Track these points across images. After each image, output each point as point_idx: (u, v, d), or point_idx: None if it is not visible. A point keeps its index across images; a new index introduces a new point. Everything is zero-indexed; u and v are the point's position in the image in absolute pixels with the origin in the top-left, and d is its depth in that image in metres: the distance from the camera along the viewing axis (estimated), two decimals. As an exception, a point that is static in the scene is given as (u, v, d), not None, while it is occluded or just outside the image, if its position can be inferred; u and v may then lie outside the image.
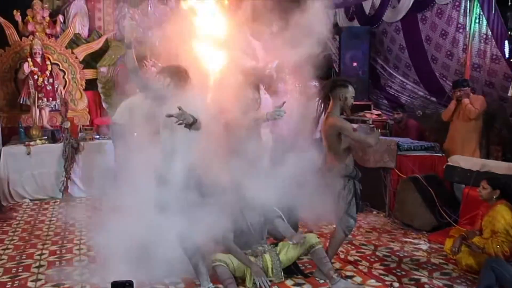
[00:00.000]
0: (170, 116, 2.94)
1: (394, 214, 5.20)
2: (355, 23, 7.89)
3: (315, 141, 6.12)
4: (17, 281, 3.52)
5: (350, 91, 3.62)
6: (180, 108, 2.92)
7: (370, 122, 6.80)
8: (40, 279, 3.54)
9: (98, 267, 3.72)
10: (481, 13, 5.97)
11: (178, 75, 3.27)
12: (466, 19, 6.15)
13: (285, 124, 6.63)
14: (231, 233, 3.48)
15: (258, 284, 3.33)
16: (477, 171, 4.57)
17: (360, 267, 3.87)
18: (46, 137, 6.43)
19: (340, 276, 3.49)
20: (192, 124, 2.96)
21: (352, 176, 3.62)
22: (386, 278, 3.63)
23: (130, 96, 5.78)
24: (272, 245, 3.65)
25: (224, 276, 3.28)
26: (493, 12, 5.84)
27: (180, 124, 2.93)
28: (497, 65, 6.01)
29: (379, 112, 7.28)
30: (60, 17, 7.42)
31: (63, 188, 6.13)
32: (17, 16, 6.91)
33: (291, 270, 3.64)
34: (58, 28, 7.37)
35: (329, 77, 8.78)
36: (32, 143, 6.21)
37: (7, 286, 3.44)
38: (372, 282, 3.55)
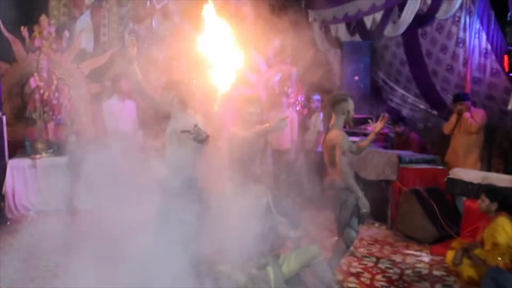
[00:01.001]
0: (185, 131, 2.99)
1: (396, 227, 5.23)
2: (357, 37, 8.00)
3: (317, 154, 6.20)
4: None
5: (351, 103, 3.70)
6: (196, 125, 2.97)
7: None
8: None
9: (106, 275, 3.76)
10: (481, 28, 6.06)
11: (182, 90, 3.33)
12: (465, 34, 6.25)
13: (287, 137, 6.74)
14: (235, 244, 3.53)
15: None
16: (479, 183, 4.62)
17: (362, 279, 3.90)
18: (51, 150, 6.51)
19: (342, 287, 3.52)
20: (204, 140, 3.02)
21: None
22: (388, 290, 3.66)
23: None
24: (274, 257, 3.68)
25: (226, 288, 3.31)
26: (492, 27, 5.93)
27: (194, 139, 2.97)
28: (497, 79, 6.08)
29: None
30: (66, 33, 7.55)
31: (68, 200, 6.19)
32: (24, 32, 7.05)
33: (293, 282, 3.67)
34: (64, 44, 7.49)
35: (331, 91, 8.88)
36: (37, 156, 6.29)
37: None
38: (374, 294, 3.59)
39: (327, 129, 3.77)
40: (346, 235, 3.64)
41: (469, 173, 4.87)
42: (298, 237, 3.51)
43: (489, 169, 5.92)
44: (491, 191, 3.96)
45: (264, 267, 3.56)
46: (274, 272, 3.54)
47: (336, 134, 3.62)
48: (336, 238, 3.87)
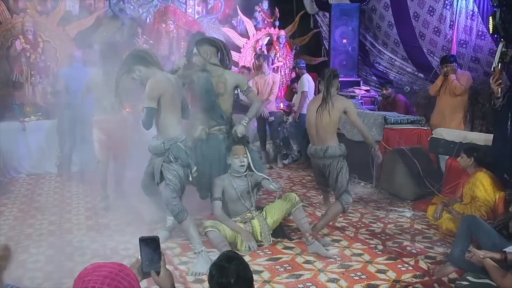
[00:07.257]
0: None
1: (380, 185, 5.38)
2: (345, 0, 7.97)
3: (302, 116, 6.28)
4: (20, 248, 3.65)
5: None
6: None
7: (359, 98, 6.96)
8: (41, 246, 3.69)
9: (96, 234, 3.90)
10: (468, -11, 6.09)
11: (144, 61, 3.36)
12: (453, -5, 6.28)
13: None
14: (219, 201, 3.65)
15: (250, 247, 3.53)
16: (460, 142, 4.76)
17: (347, 232, 4.07)
18: (40, 114, 6.50)
19: (315, 239, 3.63)
20: None
21: (345, 155, 3.82)
22: (371, 242, 3.83)
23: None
24: (258, 211, 3.81)
25: (216, 240, 3.45)
26: (479, -12, 5.97)
27: None
28: (482, 41, 6.16)
29: (368, 88, 7.43)
30: (51, -6, 7.42)
31: (58, 163, 6.24)
32: (7, -7, 6.91)
33: (278, 234, 3.84)
34: (49, 6, 7.36)
35: (319, 54, 8.87)
36: (26, 119, 6.29)
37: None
38: (358, 245, 3.76)
39: (325, 97, 3.82)
40: (345, 200, 3.77)
41: (451, 133, 5.00)
42: (278, 187, 3.64)
43: (472, 129, 6.06)
44: (470, 148, 4.12)
45: (250, 221, 3.71)
46: (260, 224, 3.69)
47: (348, 101, 3.84)
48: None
